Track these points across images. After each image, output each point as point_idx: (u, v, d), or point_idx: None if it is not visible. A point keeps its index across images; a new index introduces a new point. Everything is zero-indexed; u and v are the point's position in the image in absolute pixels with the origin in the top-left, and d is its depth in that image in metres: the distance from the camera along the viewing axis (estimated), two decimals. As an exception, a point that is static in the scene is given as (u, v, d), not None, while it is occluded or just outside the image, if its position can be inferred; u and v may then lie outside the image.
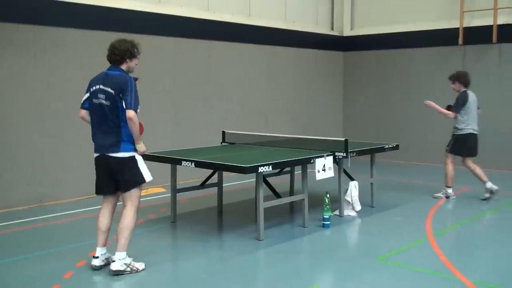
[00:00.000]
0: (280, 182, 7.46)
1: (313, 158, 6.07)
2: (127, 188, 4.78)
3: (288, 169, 7.62)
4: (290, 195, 7.45)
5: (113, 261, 4.69)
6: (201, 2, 9.76)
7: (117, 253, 4.69)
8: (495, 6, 10.24)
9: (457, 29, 10.72)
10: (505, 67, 10.43)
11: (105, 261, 4.88)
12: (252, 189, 7.43)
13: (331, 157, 6.26)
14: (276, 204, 6.07)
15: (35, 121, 7.52)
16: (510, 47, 10.30)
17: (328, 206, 6.22)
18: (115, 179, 4.81)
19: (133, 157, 4.74)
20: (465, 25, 10.68)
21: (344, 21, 12.72)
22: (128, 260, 4.73)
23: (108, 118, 4.69)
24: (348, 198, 6.82)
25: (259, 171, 5.49)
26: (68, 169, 7.89)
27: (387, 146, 7.34)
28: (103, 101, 4.67)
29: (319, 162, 6.09)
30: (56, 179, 7.76)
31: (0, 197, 7.21)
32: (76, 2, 7.83)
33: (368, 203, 7.30)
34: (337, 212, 6.78)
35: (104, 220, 4.93)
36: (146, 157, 6.58)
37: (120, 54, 4.78)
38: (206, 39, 9.68)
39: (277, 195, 6.14)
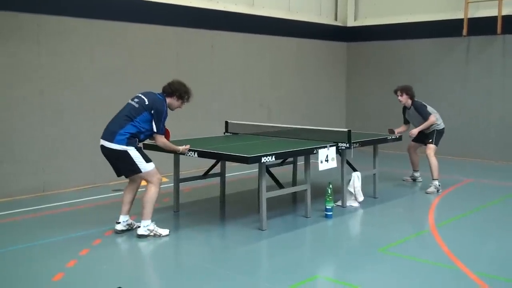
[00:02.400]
0: (283, 172, 7.46)
1: (316, 148, 6.07)
2: (127, 174, 5.52)
3: (291, 159, 7.62)
4: (293, 186, 7.45)
5: (139, 227, 5.44)
6: (204, -9, 9.72)
7: (142, 221, 5.41)
8: (500, -3, 10.17)
9: (461, 20, 10.66)
10: (509, 58, 10.37)
11: (127, 226, 5.62)
12: (255, 179, 7.45)
13: (334, 148, 6.25)
14: (279, 194, 6.07)
15: (38, 110, 7.52)
16: (515, 38, 10.24)
17: (330, 197, 6.23)
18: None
19: (125, 151, 5.28)
20: (469, 16, 10.60)
21: (348, 11, 12.65)
22: (152, 226, 5.41)
23: (123, 115, 5.39)
24: (350, 188, 6.82)
25: (262, 161, 5.49)
26: (71, 158, 7.90)
27: (389, 137, 7.32)
28: (134, 103, 5.44)
29: (322, 153, 6.08)
30: (59, 168, 7.78)
31: (3, 186, 7.23)
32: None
33: (371, 194, 7.30)
34: (339, 203, 6.79)
35: (127, 194, 5.68)
36: (150, 147, 6.62)
37: (172, 89, 5.71)
38: (209, 29, 9.65)
39: (280, 186, 6.14)
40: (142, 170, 5.35)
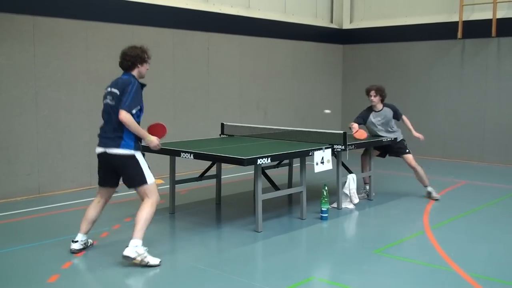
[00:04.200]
0: (278, 174, 7.47)
1: (311, 150, 6.08)
2: (131, 185, 5.00)
3: (286, 161, 7.63)
4: (289, 188, 7.46)
5: (127, 246, 4.71)
6: (200, -7, 9.74)
7: (131, 240, 4.72)
8: (494, 0, 10.22)
9: (457, 22, 10.71)
10: (504, 61, 10.43)
11: (84, 245, 5.12)
12: (251, 181, 7.46)
13: (329, 150, 6.27)
14: (275, 196, 6.09)
15: (33, 111, 7.51)
16: (509, 40, 10.30)
17: (326, 199, 6.24)
18: (117, 174, 5.04)
19: (133, 155, 4.86)
20: (464, 18, 10.67)
21: (343, 13, 12.69)
22: (141, 250, 4.71)
23: (112, 117, 4.84)
24: (346, 190, 6.84)
25: (258, 163, 5.50)
26: (66, 159, 7.89)
27: (385, 140, 7.35)
28: (109, 101, 4.89)
29: (318, 155, 6.10)
30: (54, 169, 7.77)
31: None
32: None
33: (366, 196, 7.32)
34: (335, 205, 6.81)
35: (93, 211, 5.18)
36: (146, 149, 6.60)
37: (131, 60, 4.93)
38: (205, 31, 9.66)
39: (276, 187, 6.15)
40: (148, 182, 4.90)
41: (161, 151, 6.34)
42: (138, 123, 4.85)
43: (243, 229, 5.88)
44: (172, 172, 6.59)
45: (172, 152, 6.25)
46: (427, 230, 5.91)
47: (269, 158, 5.61)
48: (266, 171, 6.20)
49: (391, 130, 7.49)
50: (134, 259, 4.66)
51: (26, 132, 7.45)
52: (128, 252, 4.67)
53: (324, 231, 6.01)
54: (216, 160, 6.31)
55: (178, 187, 6.73)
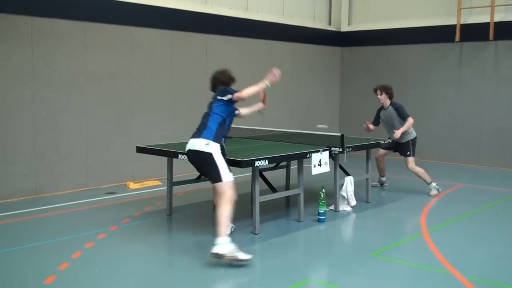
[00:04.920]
0: (276, 176, 7.47)
1: (309, 153, 6.09)
2: (211, 180, 5.15)
3: (284, 163, 7.63)
4: (286, 190, 7.46)
5: (214, 244, 4.78)
6: (199, -5, 9.75)
7: (218, 239, 4.79)
8: (492, 4, 10.26)
9: (454, 26, 10.74)
10: (501, 64, 10.46)
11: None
12: (248, 183, 7.44)
13: (327, 152, 6.27)
14: (272, 198, 6.09)
15: (31, 112, 7.50)
16: (507, 44, 10.33)
17: (323, 201, 6.24)
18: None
19: (211, 154, 4.99)
20: (462, 22, 10.69)
21: (341, 16, 12.72)
22: (231, 246, 4.76)
23: (203, 120, 5.25)
24: (343, 193, 6.84)
25: (255, 165, 5.50)
26: (64, 160, 7.88)
27: (382, 142, 7.36)
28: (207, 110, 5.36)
29: (315, 157, 6.11)
30: (52, 170, 7.75)
31: (-4, 188, 7.21)
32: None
33: (364, 199, 7.33)
34: (332, 207, 6.81)
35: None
36: (142, 151, 6.62)
37: (224, 80, 5.65)
38: (203, 33, 9.66)
39: (273, 190, 6.15)
40: (223, 180, 4.97)
41: (159, 152, 6.37)
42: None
43: (241, 231, 5.87)
44: (169, 173, 6.58)
45: (169, 154, 6.25)
46: (424, 232, 5.91)
47: (266, 160, 5.61)
48: (264, 173, 6.21)
49: (395, 130, 7.62)
50: (223, 255, 4.70)
51: (23, 133, 7.43)
52: (218, 249, 4.72)
53: (322, 233, 6.01)
54: (214, 162, 6.29)
55: (175, 188, 6.72)
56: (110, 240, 5.58)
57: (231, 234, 5.22)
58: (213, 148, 5.01)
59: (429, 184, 7.77)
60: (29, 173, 7.52)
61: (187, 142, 7.11)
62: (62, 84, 7.80)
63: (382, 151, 8.10)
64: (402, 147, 7.79)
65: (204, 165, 5.10)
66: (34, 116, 7.53)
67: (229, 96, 5.22)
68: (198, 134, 5.13)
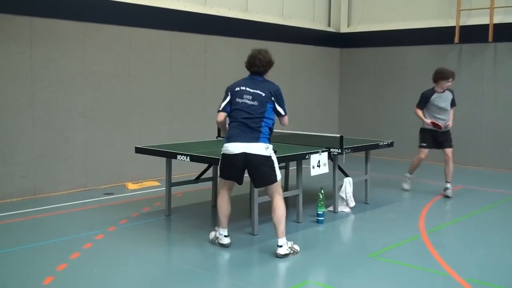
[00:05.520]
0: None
1: (308, 154, 6.08)
2: (264, 182, 5.17)
3: (282, 164, 7.61)
4: (285, 191, 7.43)
5: (280, 246, 5.06)
6: (198, -4, 9.74)
7: (280, 240, 5.07)
8: (491, 5, 10.27)
9: (453, 27, 10.75)
10: (501, 66, 10.47)
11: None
12: (247, 184, 7.44)
13: (326, 153, 6.27)
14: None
15: (30, 112, 7.49)
16: (506, 46, 10.34)
17: (322, 202, 6.24)
18: (248, 172, 5.18)
19: (270, 157, 5.11)
20: (461, 23, 10.70)
21: (341, 17, 12.72)
22: (290, 244, 5.13)
23: (253, 116, 5.09)
24: (342, 194, 6.84)
25: (254, 166, 5.48)
26: (62, 161, 7.87)
27: (382, 143, 7.36)
28: (249, 102, 5.12)
29: (314, 158, 6.10)
30: (50, 171, 7.74)
31: (-6, 189, 7.20)
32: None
33: (362, 200, 7.32)
34: (331, 208, 6.80)
35: (227, 206, 5.36)
36: (142, 151, 6.61)
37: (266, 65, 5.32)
38: (203, 34, 9.66)
39: (272, 190, 6.14)
40: (278, 179, 5.16)
41: (157, 153, 6.37)
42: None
43: (239, 232, 5.86)
44: (168, 174, 6.57)
45: (168, 154, 6.25)
46: (423, 234, 5.91)
47: (265, 161, 5.59)
48: (263, 174, 6.18)
49: (445, 115, 7.74)
50: (288, 254, 5.06)
51: (22, 133, 7.42)
52: (283, 251, 5.05)
53: (320, 234, 6.00)
54: (213, 162, 6.29)
55: (174, 189, 6.71)
56: (108, 241, 5.57)
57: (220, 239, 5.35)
58: (271, 151, 5.15)
59: (446, 182, 7.75)
60: (27, 173, 7.51)
61: (186, 143, 7.11)
62: (61, 85, 7.79)
63: (426, 151, 7.90)
64: (444, 138, 7.76)
65: (263, 167, 5.09)
66: (33, 117, 7.52)
67: (283, 113, 5.33)
68: (253, 139, 5.05)
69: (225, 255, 5.20)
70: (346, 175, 6.95)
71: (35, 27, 7.47)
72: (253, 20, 10.59)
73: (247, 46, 10.54)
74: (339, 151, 6.37)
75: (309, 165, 6.08)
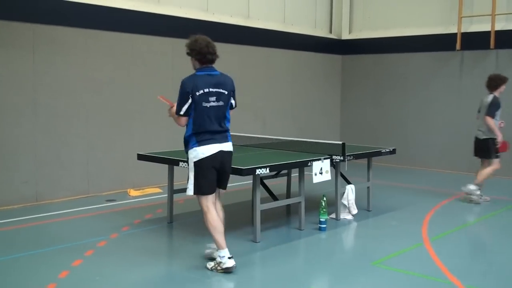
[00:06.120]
0: (276, 184, 7.46)
1: (310, 161, 6.07)
2: (226, 184, 5.11)
3: (285, 171, 7.62)
4: (287, 198, 7.44)
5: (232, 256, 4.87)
6: (200, 3, 9.76)
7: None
8: (493, 12, 10.28)
9: (455, 34, 10.76)
10: (502, 73, 10.33)
11: None
12: (248, 191, 7.44)
13: (328, 160, 6.26)
14: (273, 206, 6.06)
15: (31, 118, 7.49)
16: (507, 53, 10.34)
17: (324, 209, 6.22)
18: (219, 173, 4.94)
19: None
20: (463, 30, 10.71)
21: (342, 24, 12.74)
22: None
23: (220, 117, 4.85)
24: (344, 201, 6.82)
25: (256, 173, 5.48)
26: (64, 167, 7.86)
27: (384, 150, 7.35)
28: (214, 104, 4.79)
29: (316, 165, 6.09)
30: (52, 177, 7.73)
31: (-4, 195, 7.19)
32: (76, 1, 7.83)
33: (365, 207, 7.31)
34: (333, 216, 6.79)
35: (220, 222, 4.99)
36: (143, 158, 6.61)
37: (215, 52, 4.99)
38: (205, 40, 9.65)
39: (274, 198, 6.14)
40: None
41: (159, 160, 6.36)
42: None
43: (241, 239, 5.85)
44: (170, 181, 6.56)
45: (170, 161, 6.24)
46: (425, 241, 5.89)
47: (268, 168, 5.59)
48: (264, 180, 6.19)
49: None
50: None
51: (24, 139, 7.43)
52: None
53: (323, 242, 5.98)
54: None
55: (176, 196, 6.70)
56: (110, 248, 5.56)
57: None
58: None
59: (475, 185, 7.70)
60: (29, 179, 7.50)
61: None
62: (62, 91, 7.80)
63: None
64: (487, 148, 7.79)
65: (230, 166, 5.04)
66: (34, 122, 7.53)
67: (235, 106, 5.10)
68: (227, 138, 4.94)
69: (227, 262, 5.17)
70: (348, 182, 6.94)
71: (37, 33, 7.48)
72: (255, 27, 10.61)
73: (249, 52, 10.64)
74: (341, 158, 6.36)
75: (311, 172, 6.07)
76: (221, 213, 5.11)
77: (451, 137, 11.06)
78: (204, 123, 4.75)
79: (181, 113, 4.72)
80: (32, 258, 5.21)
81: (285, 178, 7.88)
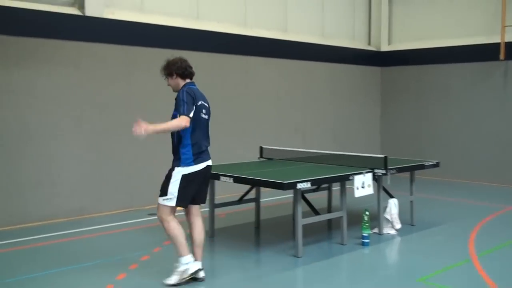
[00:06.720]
0: (317, 198, 7.39)
1: (352, 175, 6.00)
2: (204, 199, 5.13)
3: (325, 185, 7.55)
4: (328, 212, 7.36)
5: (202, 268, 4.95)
6: (238, 17, 9.85)
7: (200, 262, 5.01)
8: (538, 20, 10.00)
9: (498, 44, 10.49)
10: (550, 83, 10.13)
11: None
12: (289, 205, 7.39)
13: (370, 174, 6.17)
14: (315, 221, 6.00)
15: (76, 134, 7.68)
16: (555, 62, 10.02)
17: (367, 224, 6.12)
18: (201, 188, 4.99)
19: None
20: (506, 40, 10.44)
21: (381, 36, 12.62)
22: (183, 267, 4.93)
23: (207, 131, 5.01)
24: (387, 216, 6.70)
25: (297, 188, 5.45)
26: (108, 181, 8.01)
27: (427, 164, 7.19)
28: (205, 116, 4.96)
29: (358, 179, 6.01)
30: (96, 191, 7.88)
31: (41, 209, 7.36)
32: (117, 19, 8.03)
33: (408, 221, 7.15)
34: (376, 230, 6.66)
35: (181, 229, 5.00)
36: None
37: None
38: (243, 55, 9.74)
39: (316, 212, 6.08)
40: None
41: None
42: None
43: (283, 254, 5.81)
44: (211, 195, 6.59)
45: (212, 176, 6.26)
46: (473, 257, 5.71)
47: (309, 183, 5.55)
48: (305, 195, 6.14)
49: None
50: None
51: (69, 154, 7.61)
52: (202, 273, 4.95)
53: (366, 257, 5.88)
54: (256, 184, 6.29)
55: (217, 210, 6.72)
56: (153, 262, 5.61)
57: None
58: None
59: None
60: (74, 194, 7.67)
61: (229, 164, 7.18)
62: (107, 106, 7.96)
63: None
64: None
65: (209, 179, 5.17)
66: (80, 138, 7.71)
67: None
68: (209, 153, 5.03)
69: (269, 277, 5.14)
70: (391, 196, 6.82)
71: (83, 52, 7.70)
72: (293, 40, 10.62)
73: (287, 66, 10.65)
74: (384, 172, 6.26)
75: (353, 186, 5.99)
76: (202, 228, 5.10)
77: (496, 149, 10.74)
78: (200, 136, 4.86)
79: (190, 115, 4.75)
80: (77, 272, 5.29)
81: (326, 192, 7.80)
